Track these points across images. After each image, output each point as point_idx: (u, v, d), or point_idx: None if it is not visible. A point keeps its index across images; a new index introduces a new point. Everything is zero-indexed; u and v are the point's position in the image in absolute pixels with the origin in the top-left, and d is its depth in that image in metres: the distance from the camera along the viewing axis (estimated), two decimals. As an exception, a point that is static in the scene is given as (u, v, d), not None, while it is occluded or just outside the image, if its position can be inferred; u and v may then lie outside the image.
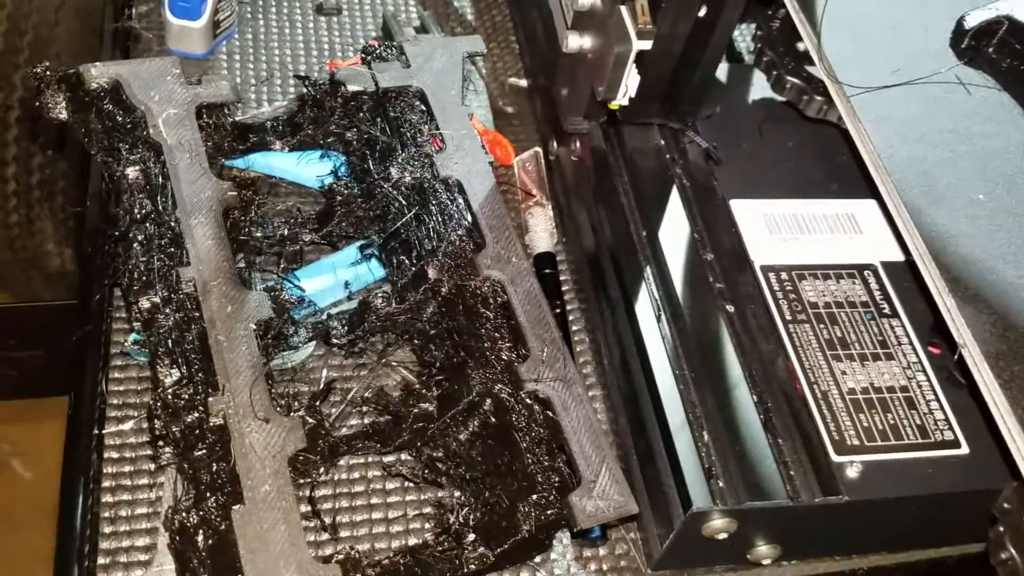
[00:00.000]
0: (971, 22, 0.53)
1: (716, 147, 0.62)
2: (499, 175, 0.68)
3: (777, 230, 0.58)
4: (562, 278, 0.64)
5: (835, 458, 0.48)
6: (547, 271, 0.63)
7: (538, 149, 0.70)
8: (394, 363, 0.54)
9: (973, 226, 0.44)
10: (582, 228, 0.63)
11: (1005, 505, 0.39)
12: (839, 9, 0.53)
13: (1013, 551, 0.40)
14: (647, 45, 0.53)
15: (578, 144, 0.64)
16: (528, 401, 0.48)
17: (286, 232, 0.52)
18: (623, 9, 0.53)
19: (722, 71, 0.67)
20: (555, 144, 0.68)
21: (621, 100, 0.56)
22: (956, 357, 0.40)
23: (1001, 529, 0.39)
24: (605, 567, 0.51)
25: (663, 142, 0.63)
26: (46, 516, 0.47)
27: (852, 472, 0.48)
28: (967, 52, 0.52)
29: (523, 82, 0.76)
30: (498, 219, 0.55)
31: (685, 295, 0.55)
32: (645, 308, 0.55)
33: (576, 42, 0.58)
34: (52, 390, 0.56)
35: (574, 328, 0.62)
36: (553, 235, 0.65)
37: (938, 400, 0.51)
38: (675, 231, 0.58)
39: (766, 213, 0.59)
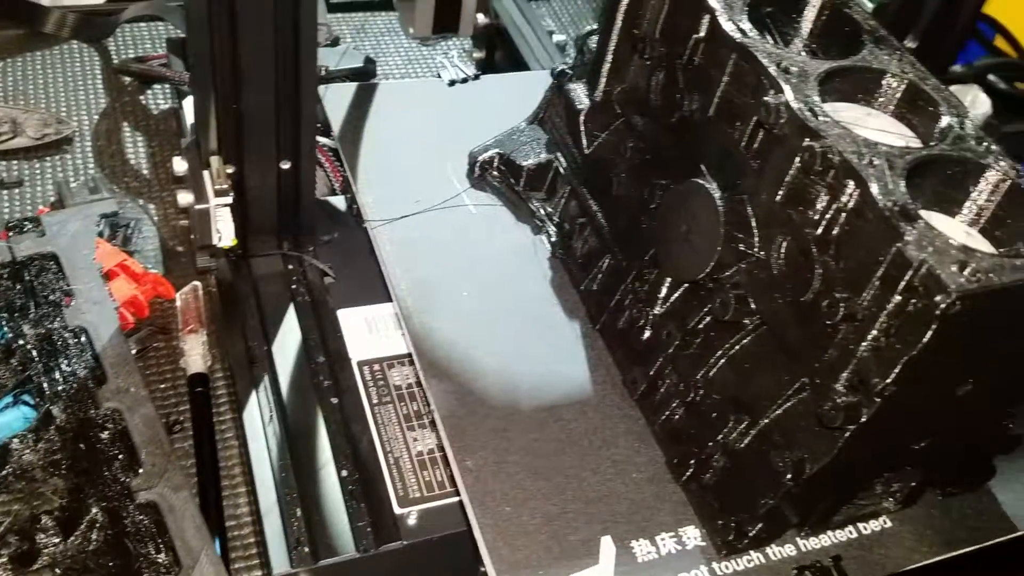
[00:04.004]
0: (477, 156, 0.69)
1: (332, 267, 0.76)
2: (163, 309, 0.79)
3: (375, 329, 0.72)
4: (220, 392, 0.75)
5: (398, 510, 0.60)
6: (199, 389, 0.73)
7: (196, 283, 0.81)
8: (35, 501, 0.63)
9: (454, 320, 0.59)
10: (228, 350, 0.74)
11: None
12: (379, 159, 0.69)
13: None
14: (226, 201, 0.66)
15: (214, 278, 0.76)
16: (136, 509, 0.58)
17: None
18: (205, 173, 0.66)
19: (343, 202, 0.81)
20: (212, 278, 0.80)
21: (222, 243, 0.68)
22: (429, 419, 0.54)
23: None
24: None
25: (291, 267, 0.76)
26: None
27: (412, 520, 0.60)
28: (475, 179, 0.69)
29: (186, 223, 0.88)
30: (120, 356, 0.65)
31: (297, 396, 0.67)
32: (257, 413, 0.66)
33: (184, 198, 0.70)
34: None
35: (227, 435, 0.72)
36: (206, 357, 0.76)
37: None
38: (293, 342, 0.71)
39: (366, 316, 0.73)
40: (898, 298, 0.40)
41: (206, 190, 0.65)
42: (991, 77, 1.27)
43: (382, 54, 1.09)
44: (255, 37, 0.62)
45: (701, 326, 0.52)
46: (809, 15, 0.53)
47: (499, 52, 0.99)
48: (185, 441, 0.71)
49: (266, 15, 0.61)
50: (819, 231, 0.45)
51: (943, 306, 0.37)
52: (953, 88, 1.26)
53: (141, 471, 0.60)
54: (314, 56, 0.64)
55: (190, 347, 0.77)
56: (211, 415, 0.72)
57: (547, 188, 0.66)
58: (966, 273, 0.38)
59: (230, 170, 0.69)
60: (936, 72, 1.05)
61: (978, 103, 1.20)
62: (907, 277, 0.39)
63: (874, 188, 0.41)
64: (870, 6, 0.88)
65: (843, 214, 0.43)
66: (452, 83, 0.77)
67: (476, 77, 0.78)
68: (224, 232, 0.68)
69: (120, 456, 0.61)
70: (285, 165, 0.71)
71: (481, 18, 0.99)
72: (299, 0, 0.61)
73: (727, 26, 0.49)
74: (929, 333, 0.39)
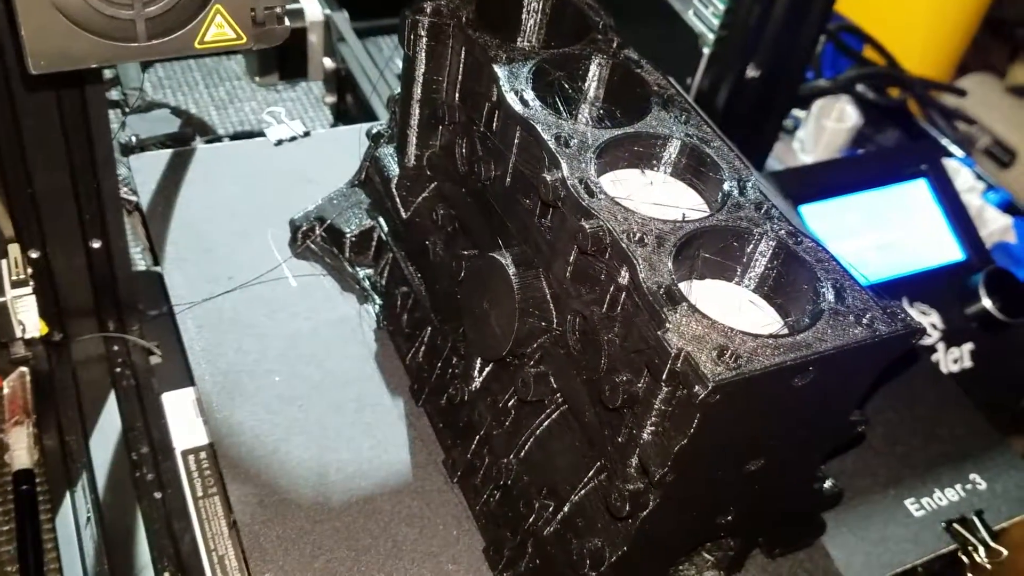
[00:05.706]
0: (299, 224, 0.66)
1: (159, 344, 0.71)
2: (-11, 398, 0.73)
3: (202, 412, 0.68)
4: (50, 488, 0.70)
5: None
6: (24, 487, 0.68)
7: (24, 369, 0.76)
8: None
9: (263, 409, 0.56)
10: (43, 446, 0.69)
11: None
12: (191, 232, 0.65)
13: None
14: (26, 291, 0.61)
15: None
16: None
17: None
18: (3, 263, 0.62)
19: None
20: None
21: (26, 335, 0.64)
22: (233, 525, 0.50)
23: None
24: None
25: (115, 348, 0.71)
26: None
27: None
28: (297, 249, 0.65)
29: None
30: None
31: (116, 493, 0.63)
32: (71, 517, 0.62)
33: (-13, 291, 0.65)
34: None
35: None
36: (32, 451, 0.71)
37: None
38: (113, 433, 0.66)
39: (193, 399, 0.68)
40: (666, 386, 0.38)
41: (3, 282, 0.61)
42: (860, 88, 1.30)
43: (237, 99, 1.04)
44: (37, 118, 0.58)
45: (511, 404, 0.50)
46: (598, 78, 0.51)
47: (350, 97, 0.96)
48: (10, 544, 0.66)
49: (47, 97, 0.57)
50: (604, 309, 0.43)
51: (702, 396, 0.36)
52: (821, 101, 1.28)
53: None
54: (107, 129, 0.60)
55: (15, 440, 0.71)
56: (37, 515, 0.67)
57: (372, 255, 0.64)
58: (725, 359, 0.36)
59: (35, 255, 0.65)
60: (786, 98, 1.05)
61: (846, 116, 1.22)
62: (669, 365, 0.37)
63: (641, 270, 0.40)
64: (711, 37, 0.88)
65: (622, 293, 0.42)
66: (280, 142, 0.73)
67: (306, 134, 0.75)
68: (28, 323, 0.63)
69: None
70: (95, 244, 0.67)
71: (328, 62, 0.96)
72: (84, 82, 0.57)
73: (509, 97, 0.48)
74: (695, 421, 0.37)
